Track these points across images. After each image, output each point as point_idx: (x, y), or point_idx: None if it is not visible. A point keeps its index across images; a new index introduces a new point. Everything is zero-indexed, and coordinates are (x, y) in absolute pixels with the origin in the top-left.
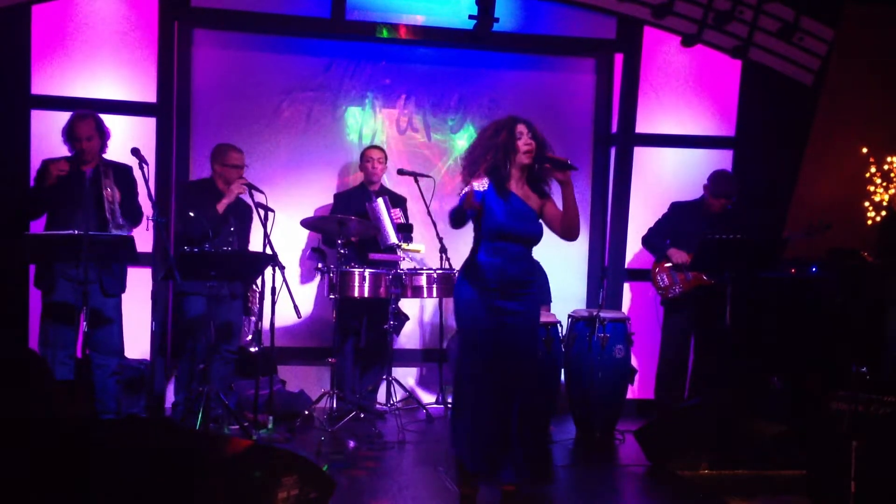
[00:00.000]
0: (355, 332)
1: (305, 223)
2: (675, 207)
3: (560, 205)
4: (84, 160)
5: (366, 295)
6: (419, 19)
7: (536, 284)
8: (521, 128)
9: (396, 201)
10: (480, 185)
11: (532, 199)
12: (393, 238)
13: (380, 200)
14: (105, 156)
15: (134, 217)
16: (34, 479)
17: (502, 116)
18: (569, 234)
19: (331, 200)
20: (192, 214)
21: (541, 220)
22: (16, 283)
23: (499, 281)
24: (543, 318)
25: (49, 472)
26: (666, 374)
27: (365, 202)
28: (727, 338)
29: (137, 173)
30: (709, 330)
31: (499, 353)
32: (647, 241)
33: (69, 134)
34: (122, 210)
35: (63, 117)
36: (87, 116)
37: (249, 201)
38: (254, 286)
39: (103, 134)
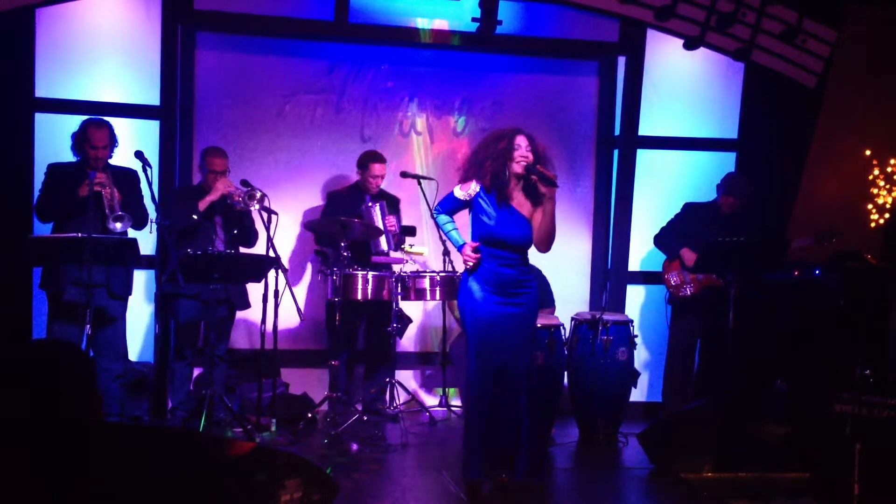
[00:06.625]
0: (352, 335)
1: (308, 225)
2: (688, 208)
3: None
4: (92, 167)
5: (369, 297)
6: (422, 22)
7: (533, 282)
8: (519, 139)
9: (390, 204)
10: (466, 192)
11: (525, 207)
12: (384, 245)
13: (377, 207)
14: (109, 160)
15: (139, 220)
16: (38, 481)
17: (506, 126)
18: (542, 244)
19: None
20: (195, 217)
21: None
22: (20, 285)
23: (496, 283)
24: (547, 321)
25: (54, 474)
26: (674, 375)
27: (358, 204)
28: (730, 339)
29: (140, 176)
30: (715, 332)
31: (499, 354)
32: (659, 239)
33: (82, 139)
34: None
35: (66, 120)
36: (103, 125)
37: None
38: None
39: (114, 143)
